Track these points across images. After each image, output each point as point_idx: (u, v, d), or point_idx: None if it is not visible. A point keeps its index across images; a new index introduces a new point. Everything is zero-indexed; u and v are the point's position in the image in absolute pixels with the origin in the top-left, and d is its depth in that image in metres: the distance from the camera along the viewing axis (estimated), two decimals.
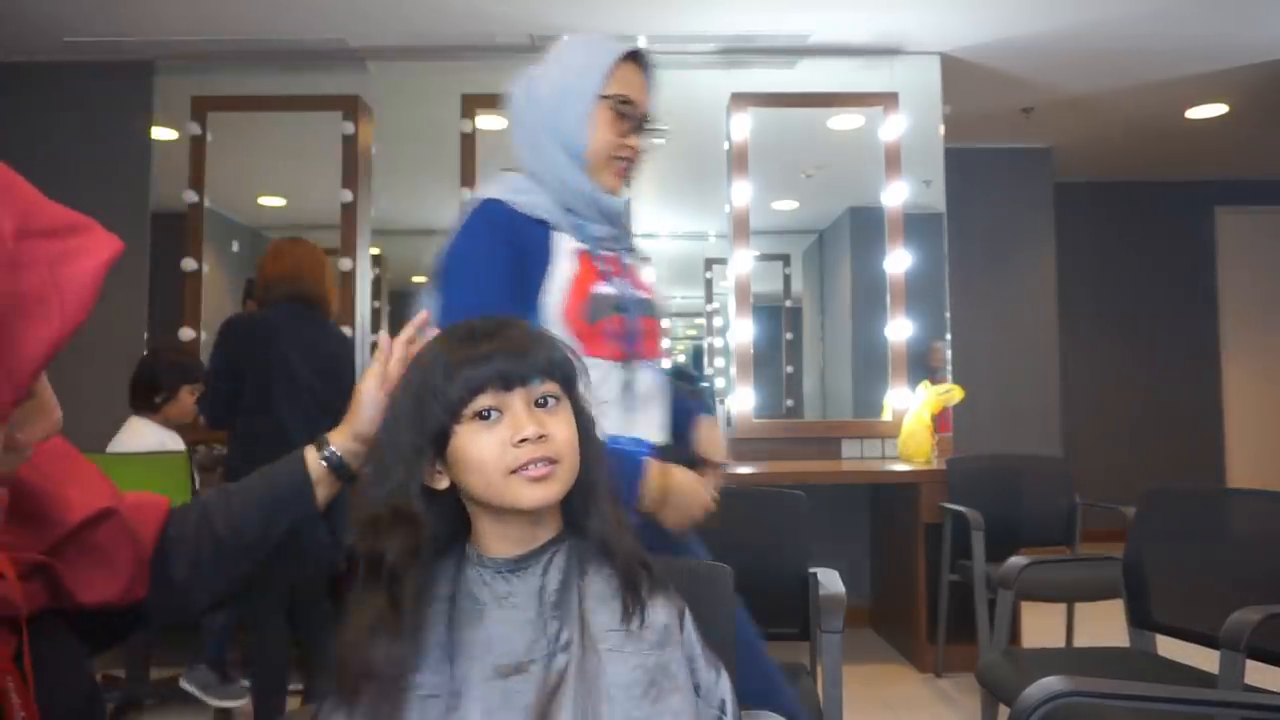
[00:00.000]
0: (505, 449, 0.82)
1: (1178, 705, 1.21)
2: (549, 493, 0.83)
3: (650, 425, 1.38)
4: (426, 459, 0.84)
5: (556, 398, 0.86)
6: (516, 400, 0.83)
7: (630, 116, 1.32)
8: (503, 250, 1.27)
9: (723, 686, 0.88)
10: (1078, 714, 1.47)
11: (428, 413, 0.83)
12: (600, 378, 1.26)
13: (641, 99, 1.34)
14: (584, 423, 0.88)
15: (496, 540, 0.86)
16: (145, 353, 2.93)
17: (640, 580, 0.86)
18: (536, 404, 0.84)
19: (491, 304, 1.23)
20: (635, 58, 1.34)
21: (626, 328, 1.31)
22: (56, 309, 0.55)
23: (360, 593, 0.82)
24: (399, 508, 0.83)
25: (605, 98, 1.30)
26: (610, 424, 1.26)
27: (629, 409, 1.33)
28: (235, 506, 0.91)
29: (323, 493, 0.96)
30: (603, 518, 0.87)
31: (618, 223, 1.36)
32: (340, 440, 0.97)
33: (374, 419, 0.96)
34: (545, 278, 1.28)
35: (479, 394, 0.83)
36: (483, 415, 0.83)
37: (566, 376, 0.87)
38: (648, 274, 1.40)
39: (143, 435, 2.79)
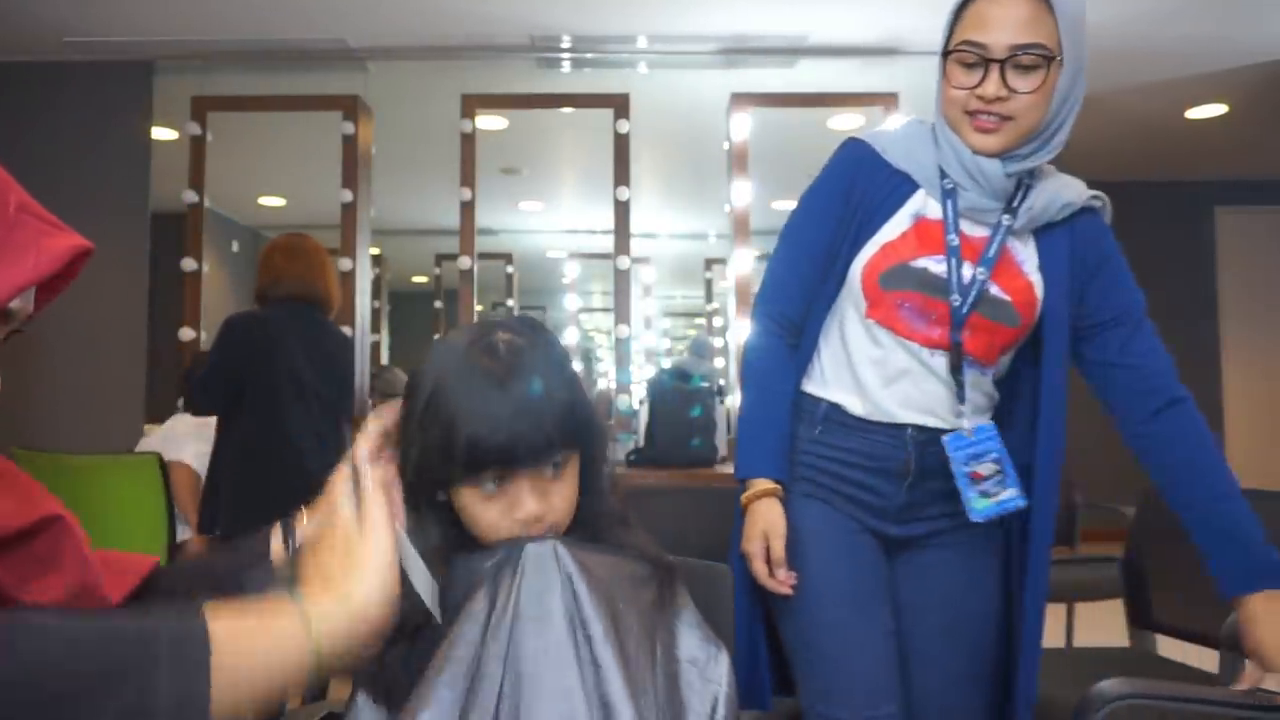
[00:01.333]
0: (505, 519, 0.81)
1: (1239, 709, 1.18)
2: (545, 548, 0.82)
3: (909, 410, 1.25)
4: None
5: (565, 457, 0.83)
6: (523, 479, 0.80)
7: (975, 64, 1.15)
8: (832, 187, 1.27)
9: (722, 663, 0.88)
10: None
11: (428, 460, 0.79)
12: (870, 346, 1.24)
13: (994, 34, 1.13)
14: (592, 464, 0.87)
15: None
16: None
17: (668, 574, 0.87)
18: (551, 467, 0.82)
19: (798, 239, 1.30)
20: None
21: (930, 310, 1.21)
22: (31, 262, 0.65)
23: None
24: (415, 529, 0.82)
25: (947, 54, 1.19)
26: (858, 396, 1.25)
27: (887, 386, 1.24)
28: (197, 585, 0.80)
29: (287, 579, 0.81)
30: (617, 537, 0.87)
31: (999, 195, 1.21)
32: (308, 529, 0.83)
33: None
34: (875, 230, 1.24)
35: (482, 471, 0.79)
36: (487, 486, 0.81)
37: (575, 432, 0.83)
38: (1028, 270, 1.24)
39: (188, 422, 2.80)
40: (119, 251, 3.86)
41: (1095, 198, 1.27)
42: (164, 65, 3.89)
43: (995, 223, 1.22)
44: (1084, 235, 1.27)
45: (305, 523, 0.84)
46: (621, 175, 3.77)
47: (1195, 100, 4.54)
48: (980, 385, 1.26)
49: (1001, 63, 1.13)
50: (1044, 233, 1.25)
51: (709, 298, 6.21)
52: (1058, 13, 1.12)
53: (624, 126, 3.77)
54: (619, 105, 3.78)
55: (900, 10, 3.55)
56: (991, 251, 1.21)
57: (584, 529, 0.88)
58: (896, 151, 1.26)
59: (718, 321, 6.10)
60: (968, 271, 1.21)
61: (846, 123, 4.03)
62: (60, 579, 0.75)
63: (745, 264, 3.87)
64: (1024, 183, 1.23)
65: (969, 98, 1.17)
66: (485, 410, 0.77)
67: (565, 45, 3.86)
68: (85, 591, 0.77)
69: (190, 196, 3.72)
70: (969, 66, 1.16)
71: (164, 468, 2.55)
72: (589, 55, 3.94)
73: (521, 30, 3.71)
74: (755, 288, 4.16)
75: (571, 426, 0.81)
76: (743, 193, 3.86)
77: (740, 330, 3.85)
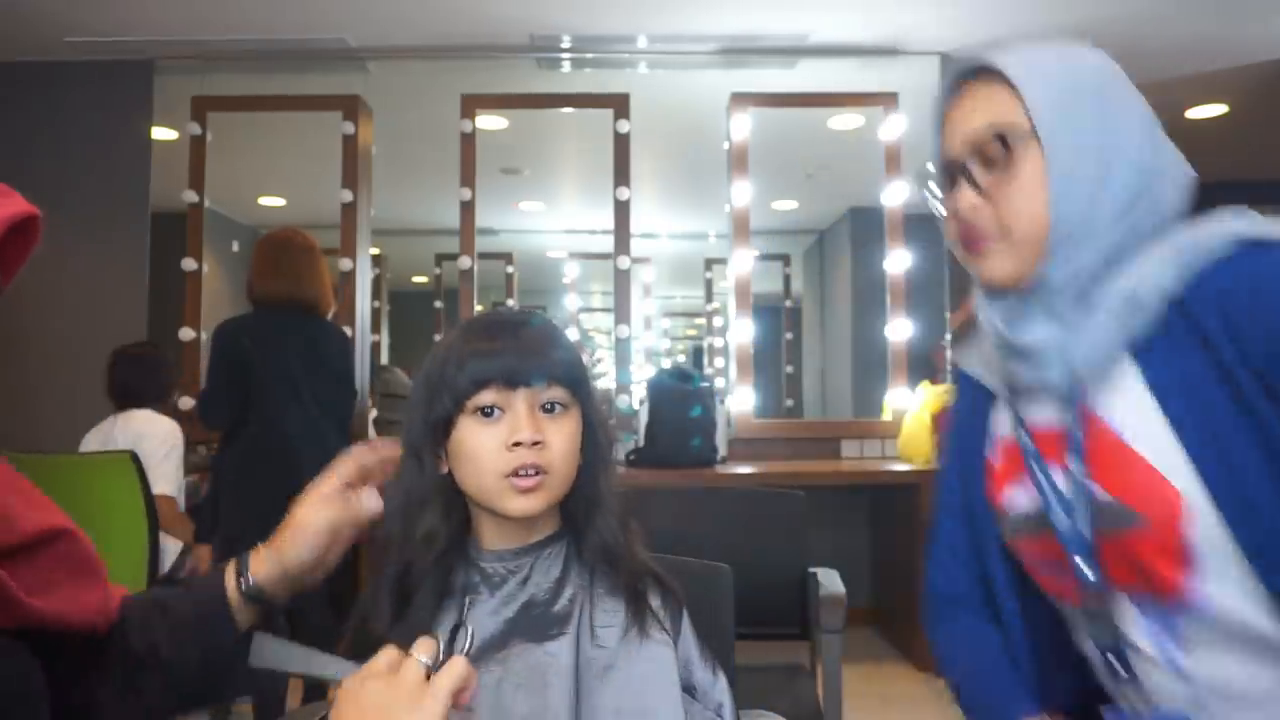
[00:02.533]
0: (500, 450, 0.81)
1: None
2: (534, 504, 0.82)
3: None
4: (435, 445, 0.85)
5: (564, 405, 0.84)
6: (520, 401, 0.82)
7: (956, 173, 0.89)
8: (949, 441, 1.02)
9: (720, 688, 0.88)
10: None
11: (436, 400, 0.84)
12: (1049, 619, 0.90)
13: (952, 138, 0.90)
14: (593, 434, 0.87)
15: (493, 533, 0.86)
16: (150, 351, 2.92)
17: (646, 592, 0.86)
18: (543, 409, 0.83)
19: (938, 498, 1.03)
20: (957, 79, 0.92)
21: (1054, 555, 0.85)
22: None
23: (381, 575, 0.85)
24: (418, 494, 0.85)
25: (941, 168, 0.92)
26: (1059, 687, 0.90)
27: (1065, 669, 0.90)
28: (154, 622, 0.80)
29: (245, 619, 0.82)
30: (608, 530, 0.86)
31: (1036, 358, 0.84)
32: (263, 569, 0.83)
33: (308, 552, 0.84)
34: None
35: (483, 389, 0.82)
36: (485, 411, 0.82)
37: (576, 381, 0.85)
38: (1123, 427, 0.80)
39: (161, 426, 2.78)
40: (119, 251, 3.86)
41: (1243, 242, 0.77)
42: (164, 65, 3.89)
43: (1051, 401, 0.86)
44: (1223, 311, 0.76)
45: (260, 554, 0.84)
46: (621, 175, 3.78)
47: (1195, 100, 4.54)
48: (1198, 636, 0.78)
49: (964, 166, 0.88)
50: (1149, 347, 0.81)
51: (709, 298, 6.21)
52: (1019, 84, 0.84)
53: (624, 126, 3.77)
54: (619, 105, 3.78)
55: (900, 10, 3.55)
56: (1079, 433, 0.82)
57: (578, 517, 0.87)
58: (977, 358, 0.98)
59: (718, 321, 6.10)
60: (1060, 478, 0.85)
61: (846, 123, 4.03)
62: (76, 595, 0.73)
63: (745, 264, 3.87)
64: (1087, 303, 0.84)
65: (951, 224, 0.90)
66: (489, 336, 0.84)
67: (565, 45, 3.87)
68: (105, 601, 0.76)
69: (190, 196, 3.73)
70: (950, 191, 0.90)
71: (139, 464, 2.55)
72: (589, 55, 3.95)
73: (521, 30, 3.71)
74: (754, 287, 4.17)
75: (571, 373, 0.85)
76: (743, 193, 3.86)
77: (740, 330, 3.85)
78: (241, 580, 0.82)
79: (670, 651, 0.84)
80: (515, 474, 0.81)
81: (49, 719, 0.70)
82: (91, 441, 2.75)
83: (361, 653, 0.81)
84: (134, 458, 2.52)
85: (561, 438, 0.83)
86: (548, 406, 0.83)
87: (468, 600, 0.84)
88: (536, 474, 0.81)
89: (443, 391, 0.83)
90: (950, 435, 1.02)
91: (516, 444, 0.81)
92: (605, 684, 0.80)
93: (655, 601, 0.86)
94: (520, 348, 0.83)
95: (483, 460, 0.82)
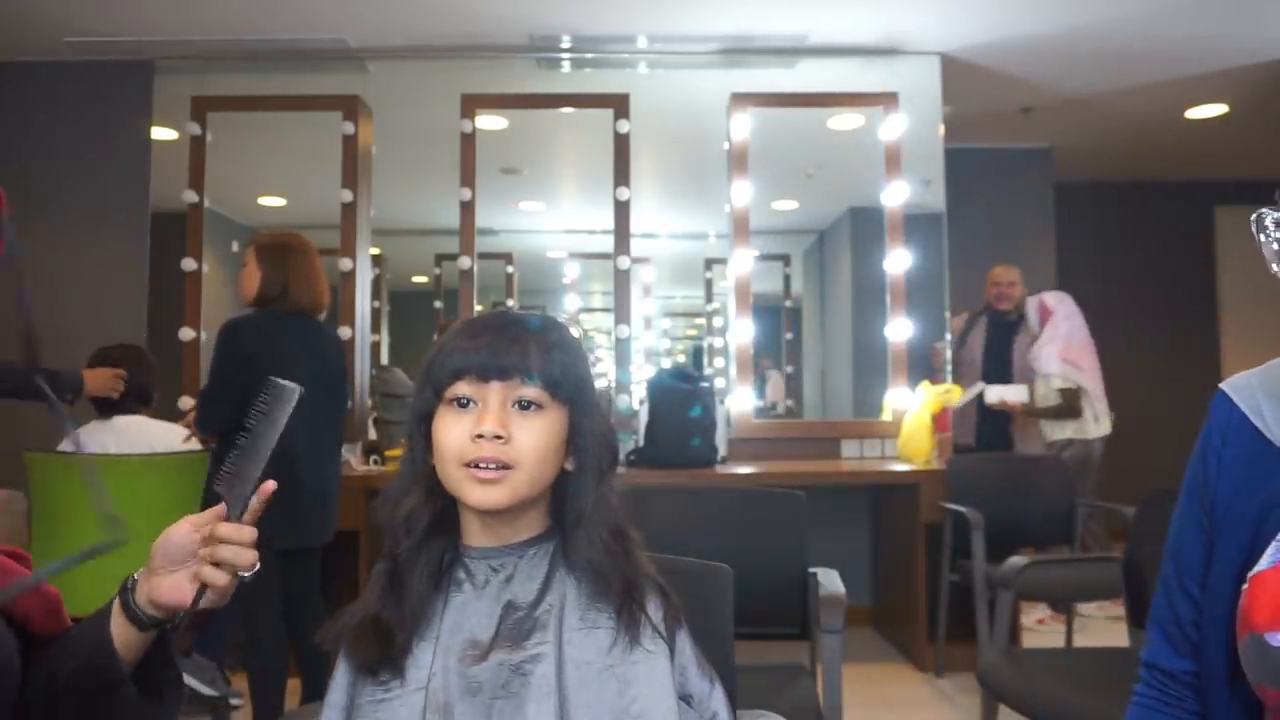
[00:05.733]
0: (465, 440, 0.81)
1: None
2: (492, 497, 0.81)
3: None
4: (423, 435, 0.86)
5: (541, 405, 0.83)
6: (492, 395, 0.82)
7: None
8: (1191, 480, 0.83)
9: (716, 697, 0.87)
10: None
11: (422, 390, 0.86)
12: None
13: None
14: (582, 442, 0.86)
15: (476, 530, 0.86)
16: (138, 355, 2.90)
17: (643, 600, 0.84)
18: (519, 406, 0.83)
19: (1173, 559, 0.84)
20: None
21: None
22: None
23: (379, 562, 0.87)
24: (405, 481, 0.86)
25: None
26: None
27: None
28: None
29: (133, 654, 0.81)
30: (589, 546, 0.84)
31: None
32: (142, 597, 0.80)
33: (172, 586, 0.79)
34: (1234, 550, 0.76)
35: (459, 380, 0.83)
36: (460, 402, 0.83)
37: (557, 384, 0.84)
38: None
39: (170, 433, 2.76)
40: (119, 251, 3.86)
41: None
42: (164, 65, 3.89)
43: None
44: None
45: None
46: (621, 175, 3.78)
47: (1195, 100, 4.54)
48: None
49: None
50: None
51: (709, 298, 6.20)
52: None
53: (624, 126, 3.77)
54: (619, 105, 3.78)
55: (900, 10, 3.55)
56: None
57: (565, 525, 0.86)
58: (1269, 407, 0.77)
59: (718, 321, 6.09)
60: None
61: (846, 123, 4.03)
62: None
63: (745, 264, 3.86)
64: None
65: None
66: (477, 333, 0.84)
67: (565, 45, 3.86)
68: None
69: (190, 196, 3.73)
70: None
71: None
72: (589, 55, 3.94)
73: (521, 30, 3.71)
74: (754, 287, 4.17)
75: (554, 375, 0.83)
76: (743, 193, 3.86)
77: (740, 330, 3.85)
78: (130, 614, 0.80)
79: (665, 660, 0.83)
80: (476, 465, 0.81)
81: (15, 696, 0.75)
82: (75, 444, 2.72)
83: (344, 636, 0.83)
84: (212, 455, 2.53)
85: (530, 436, 0.82)
86: (523, 404, 0.83)
87: (448, 596, 0.84)
88: (498, 468, 0.81)
89: (427, 382, 0.85)
90: (1195, 483, 0.82)
91: (479, 436, 0.81)
92: (589, 692, 0.79)
93: (657, 613, 0.85)
94: (502, 344, 0.83)
95: (448, 448, 0.82)
